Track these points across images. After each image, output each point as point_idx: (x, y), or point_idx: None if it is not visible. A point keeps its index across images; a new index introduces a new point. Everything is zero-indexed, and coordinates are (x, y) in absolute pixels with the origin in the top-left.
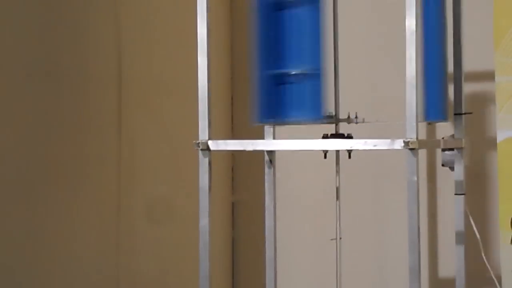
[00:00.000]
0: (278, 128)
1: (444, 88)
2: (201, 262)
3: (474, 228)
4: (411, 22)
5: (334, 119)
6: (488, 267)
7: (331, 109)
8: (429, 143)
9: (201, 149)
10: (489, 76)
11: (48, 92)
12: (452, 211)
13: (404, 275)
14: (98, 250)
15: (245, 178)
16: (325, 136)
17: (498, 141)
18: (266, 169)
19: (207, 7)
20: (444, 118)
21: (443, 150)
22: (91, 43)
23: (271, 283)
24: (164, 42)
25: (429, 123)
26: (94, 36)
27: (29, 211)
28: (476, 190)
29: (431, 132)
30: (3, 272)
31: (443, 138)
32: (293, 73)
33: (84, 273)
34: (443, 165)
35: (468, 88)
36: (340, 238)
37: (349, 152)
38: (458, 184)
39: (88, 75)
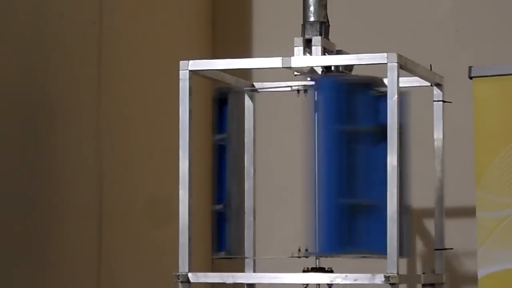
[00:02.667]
0: (258, 260)
1: (408, 224)
2: None
3: None
4: (393, 158)
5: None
6: None
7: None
8: (410, 278)
9: (181, 281)
10: (470, 212)
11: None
12: None
13: None
14: None
15: None
16: (306, 270)
17: (479, 277)
18: None
19: (189, 142)
20: (409, 255)
21: (424, 285)
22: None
23: None
24: (145, 171)
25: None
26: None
27: None
28: None
29: (411, 267)
30: None
31: (423, 273)
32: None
33: None
34: None
35: (449, 223)
36: None
37: (330, 286)
38: None
39: (67, 206)
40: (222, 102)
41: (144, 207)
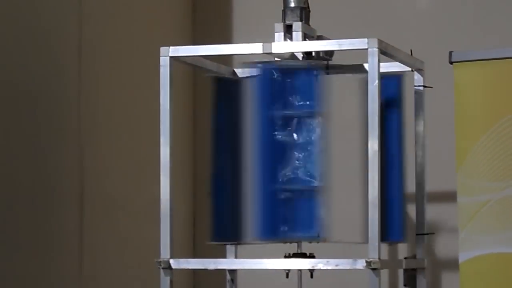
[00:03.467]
0: (240, 246)
1: (403, 209)
2: None
3: None
4: (373, 144)
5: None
6: None
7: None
8: (391, 263)
9: (163, 268)
10: (451, 196)
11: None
12: None
13: None
14: None
15: None
16: (287, 256)
17: (460, 262)
18: (228, 285)
19: (170, 128)
20: (403, 239)
21: (405, 270)
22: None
23: None
24: (127, 160)
25: (389, 244)
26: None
27: None
28: None
29: (393, 252)
30: None
31: (405, 258)
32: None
33: None
34: (405, 285)
35: (430, 208)
36: None
37: (311, 271)
38: None
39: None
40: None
41: (125, 197)
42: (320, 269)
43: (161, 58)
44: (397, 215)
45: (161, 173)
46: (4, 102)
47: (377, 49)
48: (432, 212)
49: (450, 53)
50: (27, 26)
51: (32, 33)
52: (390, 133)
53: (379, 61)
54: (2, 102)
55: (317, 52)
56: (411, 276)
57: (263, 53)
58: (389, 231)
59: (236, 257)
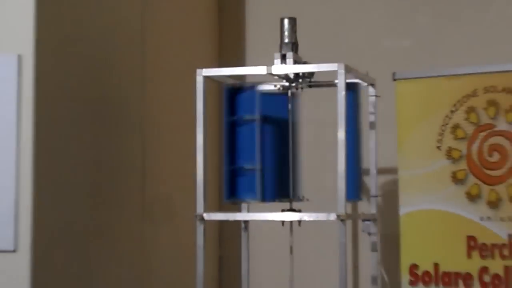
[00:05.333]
0: (250, 204)
1: (361, 179)
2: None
3: (384, 274)
4: (341, 134)
5: (288, 199)
6: None
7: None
8: (353, 216)
9: (199, 219)
10: (394, 170)
11: None
12: (369, 262)
13: None
14: None
15: (228, 239)
16: (283, 210)
17: (400, 215)
18: (242, 233)
19: (203, 124)
20: (361, 199)
21: (363, 220)
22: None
23: None
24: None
25: (352, 202)
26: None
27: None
28: (386, 248)
29: (354, 208)
30: None
31: (363, 212)
32: (247, 168)
33: None
34: (363, 231)
35: (380, 178)
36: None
37: (299, 222)
38: (373, 244)
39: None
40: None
41: (177, 172)
42: (305, 220)
43: (197, 77)
44: (357, 183)
45: (197, 152)
46: (89, 107)
47: (343, 71)
48: (381, 180)
49: (393, 73)
50: (101, 46)
51: (105, 51)
52: (352, 127)
53: (345, 78)
54: (89, 107)
55: (303, 73)
56: (367, 224)
57: (267, 74)
58: (351, 194)
59: (248, 212)
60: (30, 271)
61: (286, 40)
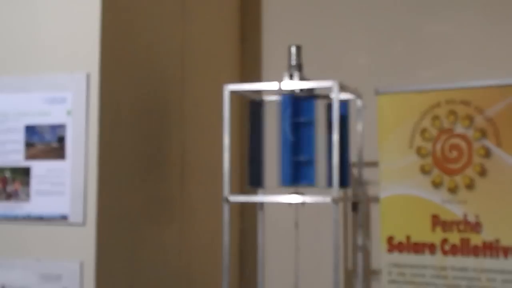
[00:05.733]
0: (266, 189)
1: (350, 170)
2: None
3: (368, 244)
4: (335, 136)
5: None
6: (375, 264)
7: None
8: (345, 199)
9: (225, 201)
10: (376, 163)
11: None
12: (356, 235)
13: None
14: None
15: (248, 216)
16: (290, 193)
17: (380, 198)
18: (259, 211)
19: (229, 131)
20: (350, 186)
21: (352, 202)
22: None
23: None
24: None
25: (343, 188)
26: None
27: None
28: (369, 224)
29: (345, 193)
30: None
31: (352, 196)
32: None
33: None
34: (352, 210)
35: (366, 170)
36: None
37: (303, 203)
38: (359, 220)
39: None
40: (256, 108)
41: (207, 165)
42: (307, 202)
43: (224, 91)
44: (347, 173)
45: (224, 150)
46: (141, 114)
47: (337, 86)
48: (366, 171)
49: (376, 89)
50: (150, 65)
51: (153, 68)
52: (344, 130)
53: (338, 93)
54: (142, 114)
55: (306, 88)
56: (355, 205)
57: (278, 89)
58: (343, 181)
59: (264, 195)
60: (95, 240)
61: (294, 63)
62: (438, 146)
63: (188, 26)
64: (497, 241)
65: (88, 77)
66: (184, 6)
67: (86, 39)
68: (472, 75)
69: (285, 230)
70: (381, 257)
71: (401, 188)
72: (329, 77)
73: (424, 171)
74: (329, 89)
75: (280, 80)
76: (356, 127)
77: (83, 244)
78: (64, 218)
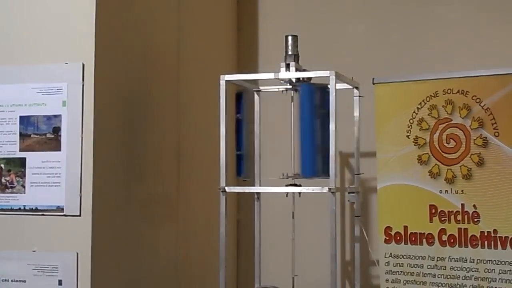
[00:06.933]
0: (262, 179)
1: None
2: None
3: (365, 234)
4: (333, 124)
5: (292, 177)
6: (372, 255)
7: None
8: (342, 189)
9: (221, 191)
10: (373, 154)
11: None
12: (353, 225)
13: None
14: None
15: (245, 206)
16: (287, 185)
17: (378, 188)
18: (255, 202)
19: (225, 118)
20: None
21: (349, 192)
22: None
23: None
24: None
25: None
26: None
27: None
28: (367, 214)
29: (342, 183)
30: None
31: (349, 186)
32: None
33: None
34: (348, 201)
35: (362, 160)
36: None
37: (300, 193)
38: (356, 210)
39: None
40: (240, 96)
41: (203, 156)
42: (304, 192)
43: (220, 81)
44: (327, 162)
45: (220, 141)
46: (136, 104)
47: (334, 76)
48: (363, 162)
49: (373, 78)
50: (145, 55)
51: (148, 58)
52: (313, 117)
53: (335, 82)
54: (137, 104)
55: (303, 78)
56: (351, 196)
57: (274, 78)
58: (324, 169)
59: (260, 186)
60: (91, 231)
61: (290, 53)
62: (436, 136)
63: (184, 16)
64: (495, 231)
65: (83, 67)
66: None
67: (81, 30)
68: (470, 64)
69: (281, 220)
70: (379, 248)
71: (398, 178)
72: (326, 67)
73: (421, 161)
74: (325, 78)
75: (276, 70)
76: (354, 116)
77: (79, 235)
78: (60, 209)
